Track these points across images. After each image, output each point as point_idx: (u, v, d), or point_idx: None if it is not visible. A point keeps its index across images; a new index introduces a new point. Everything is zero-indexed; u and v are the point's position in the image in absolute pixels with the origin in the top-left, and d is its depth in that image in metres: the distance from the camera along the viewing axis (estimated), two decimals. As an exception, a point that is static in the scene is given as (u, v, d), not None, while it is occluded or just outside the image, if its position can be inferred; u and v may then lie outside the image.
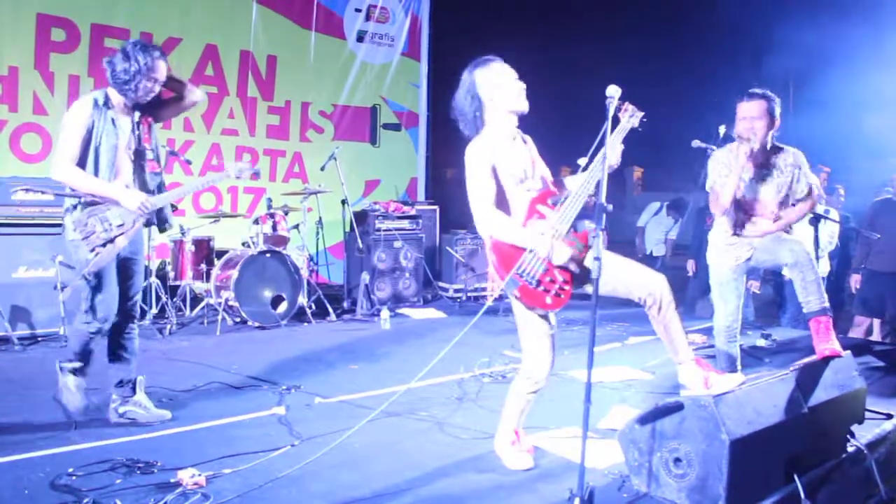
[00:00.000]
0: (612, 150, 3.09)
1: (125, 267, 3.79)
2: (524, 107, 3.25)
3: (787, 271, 4.08)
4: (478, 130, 3.24)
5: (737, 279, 4.13)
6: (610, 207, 2.77)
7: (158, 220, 3.90)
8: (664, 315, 3.16)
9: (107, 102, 3.66)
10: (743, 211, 4.04)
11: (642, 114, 3.27)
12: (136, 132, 3.76)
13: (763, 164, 4.01)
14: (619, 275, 3.15)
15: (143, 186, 3.80)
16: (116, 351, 3.83)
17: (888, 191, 6.60)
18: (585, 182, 3.08)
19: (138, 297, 3.93)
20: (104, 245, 3.59)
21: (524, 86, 3.24)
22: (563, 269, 3.10)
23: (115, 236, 3.62)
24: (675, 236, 9.30)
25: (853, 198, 7.58)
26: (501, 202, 3.16)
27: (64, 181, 3.62)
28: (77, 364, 3.74)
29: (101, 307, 3.63)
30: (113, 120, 3.66)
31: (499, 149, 3.16)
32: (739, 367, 4.16)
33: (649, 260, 8.68)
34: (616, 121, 3.19)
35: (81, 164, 3.60)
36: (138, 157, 3.78)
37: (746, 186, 4.01)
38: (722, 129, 4.35)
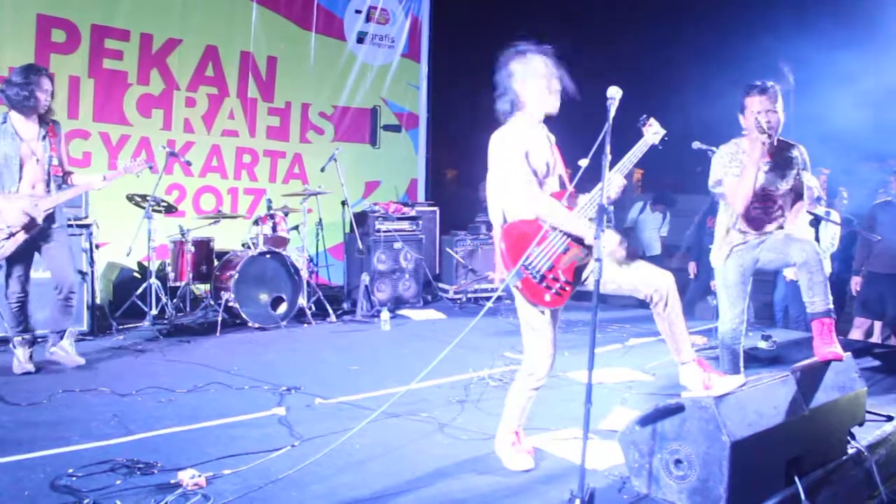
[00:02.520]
0: (614, 184, 3.08)
1: (49, 254, 4.81)
2: (551, 109, 3.22)
3: (791, 272, 4.05)
4: (511, 114, 3.20)
5: (744, 282, 4.06)
6: (611, 209, 2.77)
7: (47, 219, 4.74)
8: (669, 312, 3.15)
9: (6, 120, 4.59)
10: (752, 203, 4.00)
11: (665, 132, 3.25)
12: (43, 142, 4.67)
13: (775, 156, 3.98)
14: (624, 272, 3.14)
15: (48, 188, 4.71)
16: (62, 309, 4.87)
17: (882, 192, 6.60)
18: (597, 191, 3.06)
19: (72, 270, 4.90)
20: (8, 238, 4.60)
21: (558, 87, 3.19)
22: (568, 267, 3.09)
23: (14, 232, 4.60)
24: (666, 233, 9.23)
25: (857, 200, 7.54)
26: None
27: None
28: (22, 335, 4.81)
29: (12, 284, 4.79)
30: (13, 134, 4.57)
31: (530, 139, 3.15)
32: (742, 369, 4.15)
33: (647, 261, 8.61)
34: (640, 134, 3.20)
35: None
36: (43, 163, 4.66)
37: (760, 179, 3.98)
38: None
